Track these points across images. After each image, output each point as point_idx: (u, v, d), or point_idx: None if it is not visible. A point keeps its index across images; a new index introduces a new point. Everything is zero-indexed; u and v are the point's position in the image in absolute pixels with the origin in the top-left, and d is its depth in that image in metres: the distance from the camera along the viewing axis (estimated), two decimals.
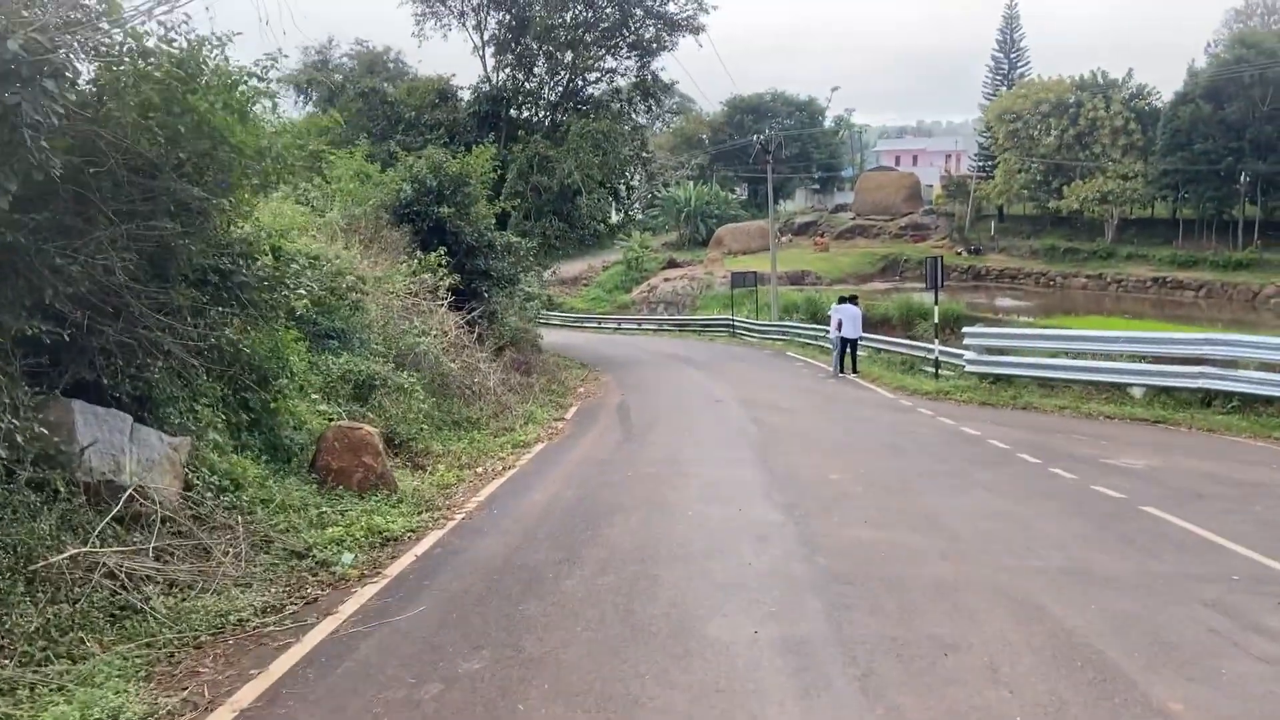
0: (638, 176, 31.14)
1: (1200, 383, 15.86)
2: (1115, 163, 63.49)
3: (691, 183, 78.48)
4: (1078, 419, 16.29)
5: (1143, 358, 17.22)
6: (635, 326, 47.12)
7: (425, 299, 16.87)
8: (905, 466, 11.95)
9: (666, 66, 30.28)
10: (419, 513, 9.41)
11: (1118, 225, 65.38)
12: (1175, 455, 13.04)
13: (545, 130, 28.60)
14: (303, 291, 9.94)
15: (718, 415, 17.27)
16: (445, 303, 16.97)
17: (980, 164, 74.26)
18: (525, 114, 29.75)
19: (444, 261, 16.76)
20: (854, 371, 23.60)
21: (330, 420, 11.11)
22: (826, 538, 8.36)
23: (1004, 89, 73.11)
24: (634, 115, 30.58)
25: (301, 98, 32.11)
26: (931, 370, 22.49)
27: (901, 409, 17.67)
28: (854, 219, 76.97)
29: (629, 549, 8.05)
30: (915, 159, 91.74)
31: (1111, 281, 61.71)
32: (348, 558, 7.67)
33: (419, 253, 17.35)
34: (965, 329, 20.00)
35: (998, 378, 19.18)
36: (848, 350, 23.88)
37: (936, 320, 21.71)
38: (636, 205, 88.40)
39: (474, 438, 14.30)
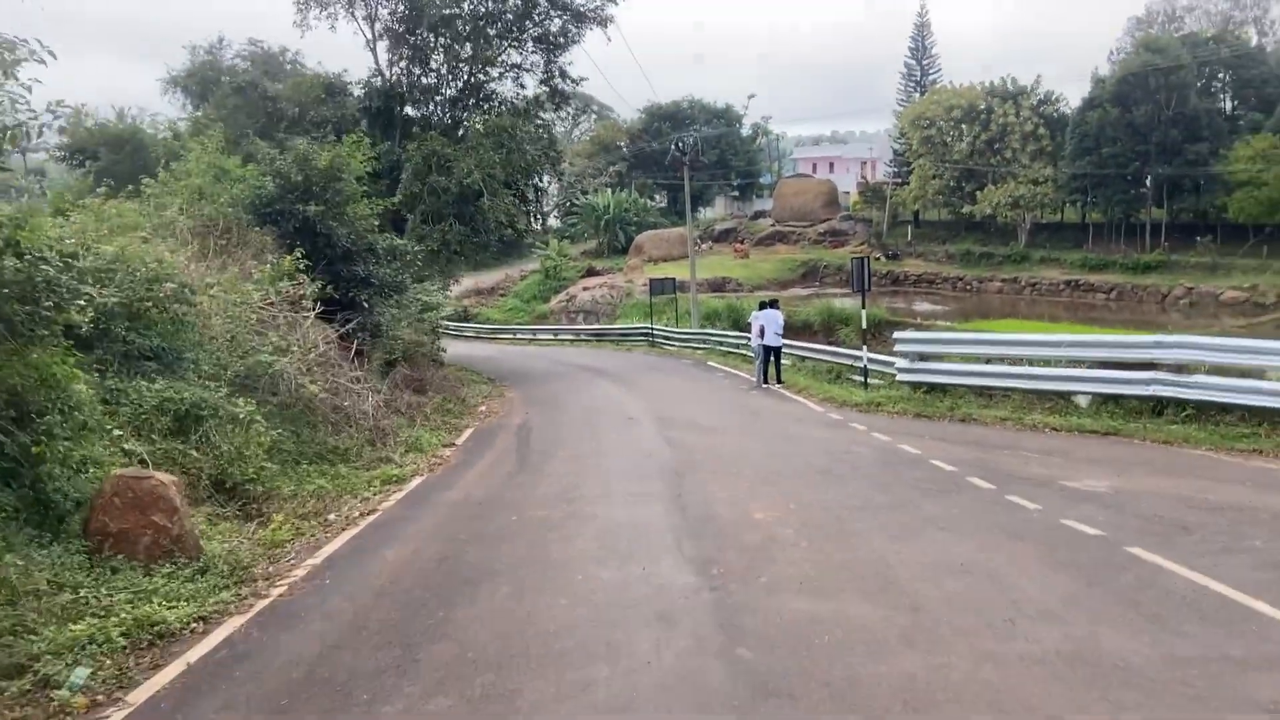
0: (546, 177, 28.87)
1: (1152, 389, 14.25)
2: (1026, 168, 63.29)
3: (610, 190, 76.47)
4: (1022, 432, 14.57)
5: (1087, 363, 15.60)
6: (551, 337, 44.83)
7: (286, 311, 14.46)
8: (843, 498, 9.97)
9: (577, 66, 27.85)
10: (222, 589, 7.09)
11: (1030, 229, 65.23)
12: (1138, 474, 11.33)
13: (444, 128, 26.21)
14: (82, 302, 7.57)
15: (629, 436, 15.17)
16: (312, 314, 14.58)
17: (896, 170, 73.69)
18: (422, 111, 27.30)
19: (304, 267, 14.35)
20: (778, 381, 21.72)
21: (141, 461, 8.72)
22: (752, 614, 6.28)
23: (917, 96, 72.67)
24: (541, 113, 28.34)
25: (188, 99, 29.23)
26: (860, 379, 20.72)
27: (831, 424, 15.78)
28: (773, 225, 75.76)
29: (486, 643, 5.87)
30: (832, 166, 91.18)
31: (1026, 285, 61.46)
32: (78, 675, 5.33)
33: (282, 257, 14.95)
34: (896, 335, 18.23)
35: (932, 387, 17.43)
36: (771, 359, 22.02)
37: (865, 325, 19.93)
38: (549, 209, 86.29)
39: (338, 473, 11.97)
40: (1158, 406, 14.40)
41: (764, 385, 21.74)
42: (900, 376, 18.01)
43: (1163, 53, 59.03)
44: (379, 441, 14.10)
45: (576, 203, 77.79)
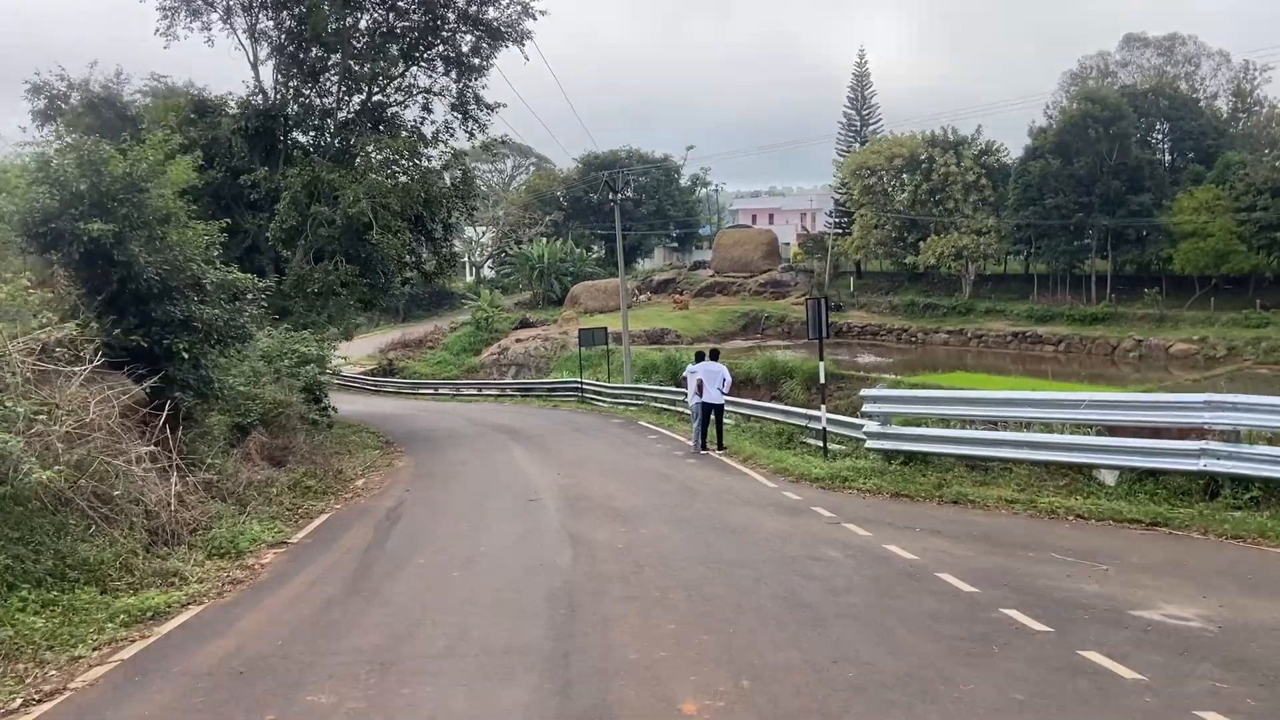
0: (458, 214, 25.04)
1: (1203, 464, 10.74)
2: (969, 218, 61.27)
3: (546, 240, 72.89)
4: (1038, 520, 10.94)
5: (1111, 429, 12.08)
6: (475, 392, 40.73)
7: (40, 363, 10.36)
8: (825, 664, 6.12)
9: (506, 105, 23.98)
10: None
11: (974, 280, 63.06)
12: (1230, 591, 7.80)
13: (335, 153, 22.30)
14: None
15: (523, 529, 11.21)
16: (85, 369, 10.49)
17: (837, 220, 71.35)
18: (312, 137, 23.37)
19: (83, 303, 10.26)
20: (720, 447, 17.97)
21: None
22: None
23: (857, 146, 70.62)
24: (451, 140, 24.63)
25: (34, 120, 24.90)
26: (816, 444, 17.08)
27: (789, 508, 12.00)
28: (713, 276, 72.78)
29: None
30: (771, 217, 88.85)
31: (972, 337, 59.02)
32: None
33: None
34: (865, 392, 14.60)
35: (910, 456, 13.80)
36: (711, 419, 18.28)
37: (824, 379, 16.28)
38: (481, 258, 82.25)
39: (76, 602, 7.89)
40: (1210, 486, 10.92)
41: (703, 451, 17.98)
42: (870, 444, 14.36)
43: (1102, 103, 57.60)
44: (169, 544, 9.99)
45: (510, 252, 74.06)
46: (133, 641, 7.24)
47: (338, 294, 20.75)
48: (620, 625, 7.05)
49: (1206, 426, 10.85)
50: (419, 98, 24.56)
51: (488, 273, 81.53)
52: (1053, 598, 7.64)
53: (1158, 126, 61.90)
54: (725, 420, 18.95)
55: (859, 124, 72.57)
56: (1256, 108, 64.70)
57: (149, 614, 7.88)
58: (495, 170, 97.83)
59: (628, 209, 75.34)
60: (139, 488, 10.17)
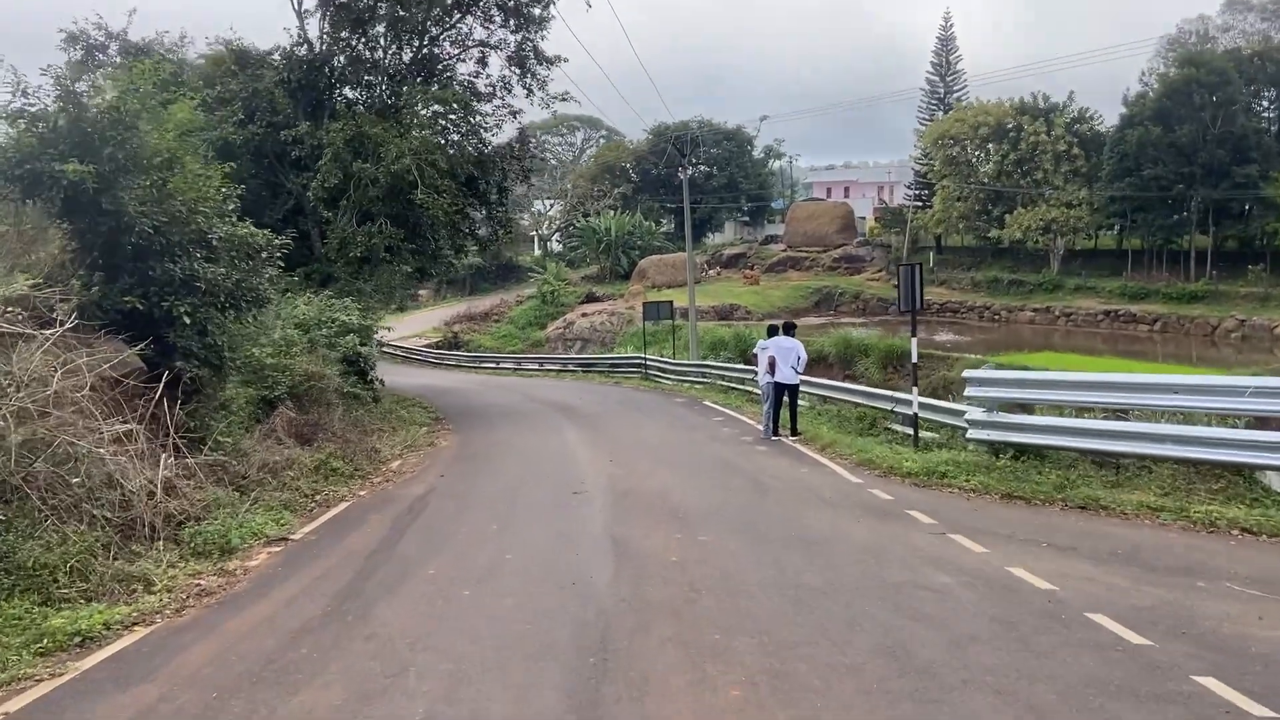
0: (511, 175, 23.21)
1: None
2: (1058, 190, 57.53)
3: (613, 213, 70.95)
4: (1194, 535, 8.72)
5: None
6: (536, 367, 39.14)
7: (22, 324, 8.84)
8: None
9: (575, 75, 21.94)
10: None
11: (1063, 256, 59.35)
12: None
13: (383, 108, 20.62)
14: None
15: (559, 531, 9.37)
16: (57, 331, 8.93)
17: (917, 192, 67.95)
18: (360, 92, 21.71)
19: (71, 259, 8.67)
20: (793, 432, 15.92)
21: None
22: None
23: (940, 114, 67.05)
24: (509, 98, 22.80)
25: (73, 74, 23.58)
26: (904, 431, 14.93)
27: (880, 512, 9.94)
28: (785, 251, 70.11)
29: None
30: (846, 191, 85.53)
31: (1060, 315, 55.47)
32: None
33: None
34: (968, 373, 12.39)
35: (1021, 449, 11.60)
36: (784, 401, 16.24)
37: (916, 358, 14.08)
38: (549, 231, 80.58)
39: (3, 615, 6.32)
40: None
41: (774, 436, 15.96)
42: (973, 433, 12.18)
43: (1206, 67, 53.33)
44: (148, 540, 8.40)
45: (578, 226, 72.33)
46: (39, 681, 5.58)
47: (386, 260, 19.08)
48: (664, 688, 5.14)
49: None
50: (474, 51, 22.79)
51: (555, 246, 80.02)
52: (1255, 655, 5.54)
53: (1265, 93, 57.22)
54: (799, 402, 16.88)
55: (943, 91, 68.87)
56: None
57: (77, 639, 6.23)
58: (565, 144, 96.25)
59: (698, 182, 73.09)
60: (111, 473, 8.58)
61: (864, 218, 74.95)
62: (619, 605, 6.70)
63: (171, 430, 10.41)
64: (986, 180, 60.62)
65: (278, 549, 9.00)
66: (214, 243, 11.39)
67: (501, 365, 41.46)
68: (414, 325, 58.86)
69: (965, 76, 69.28)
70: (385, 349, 48.38)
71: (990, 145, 60.66)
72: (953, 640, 5.89)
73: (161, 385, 10.52)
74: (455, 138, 20.99)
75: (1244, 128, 52.79)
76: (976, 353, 41.22)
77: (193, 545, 8.68)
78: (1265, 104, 57.40)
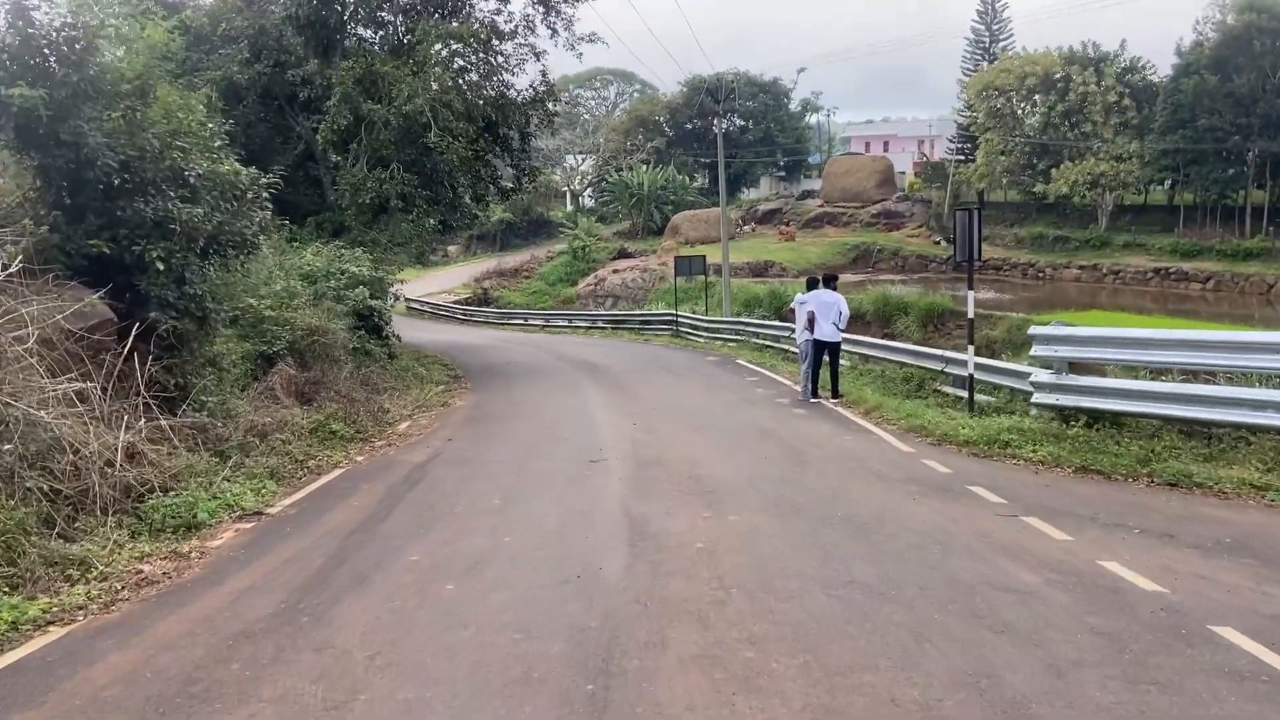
0: (534, 120, 21.77)
1: None
2: (1108, 143, 54.92)
3: (645, 167, 69.15)
4: None
5: None
6: (566, 324, 37.93)
7: None
8: None
9: (595, 11, 20.30)
10: None
11: (1111, 212, 56.84)
12: None
13: (395, 46, 19.26)
14: None
15: (570, 508, 8.15)
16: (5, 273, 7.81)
17: (959, 146, 65.40)
18: (372, 30, 20.32)
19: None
20: (834, 394, 14.57)
21: None
22: None
23: (985, 64, 64.27)
24: (532, 38, 21.29)
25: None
26: (956, 394, 13.55)
27: (939, 489, 8.60)
28: (822, 206, 68.03)
29: None
30: (886, 145, 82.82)
31: (1108, 273, 53.26)
32: None
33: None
34: (1035, 330, 10.93)
35: (1095, 416, 10.19)
36: (824, 360, 14.87)
37: (972, 314, 12.62)
38: (581, 186, 78.89)
39: None
40: None
41: (813, 399, 14.63)
42: (1039, 397, 10.77)
43: (1269, 12, 50.36)
44: (102, 514, 7.31)
45: (610, 180, 70.63)
46: None
47: (403, 209, 17.80)
48: None
49: None
50: None
51: (587, 201, 78.41)
52: None
53: None
54: (841, 362, 15.50)
55: (988, 40, 65.95)
56: None
57: None
58: (598, 97, 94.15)
59: (733, 136, 70.96)
60: (59, 437, 7.47)
61: (903, 173, 72.51)
62: (631, 607, 5.47)
63: (142, 389, 9.32)
64: (1032, 133, 58.10)
65: (249, 525, 7.88)
66: (192, 181, 10.17)
67: (530, 322, 40.29)
68: (444, 281, 57.82)
69: (1011, 25, 66.36)
70: (413, 305, 47.47)
71: (1037, 96, 58.07)
72: (1051, 665, 4.60)
73: (131, 339, 9.41)
74: (474, 78, 19.60)
75: None
76: (1020, 311, 39.50)
77: (152, 521, 7.59)
78: None
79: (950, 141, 68.58)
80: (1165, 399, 9.64)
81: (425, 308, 47.79)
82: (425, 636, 5.13)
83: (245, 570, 6.52)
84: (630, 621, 5.24)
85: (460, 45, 18.65)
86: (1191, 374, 10.50)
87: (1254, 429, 9.01)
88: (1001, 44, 65.33)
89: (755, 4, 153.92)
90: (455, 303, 50.00)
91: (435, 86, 17.23)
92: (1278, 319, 40.92)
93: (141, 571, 6.47)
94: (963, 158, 64.37)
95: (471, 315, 45.16)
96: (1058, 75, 56.47)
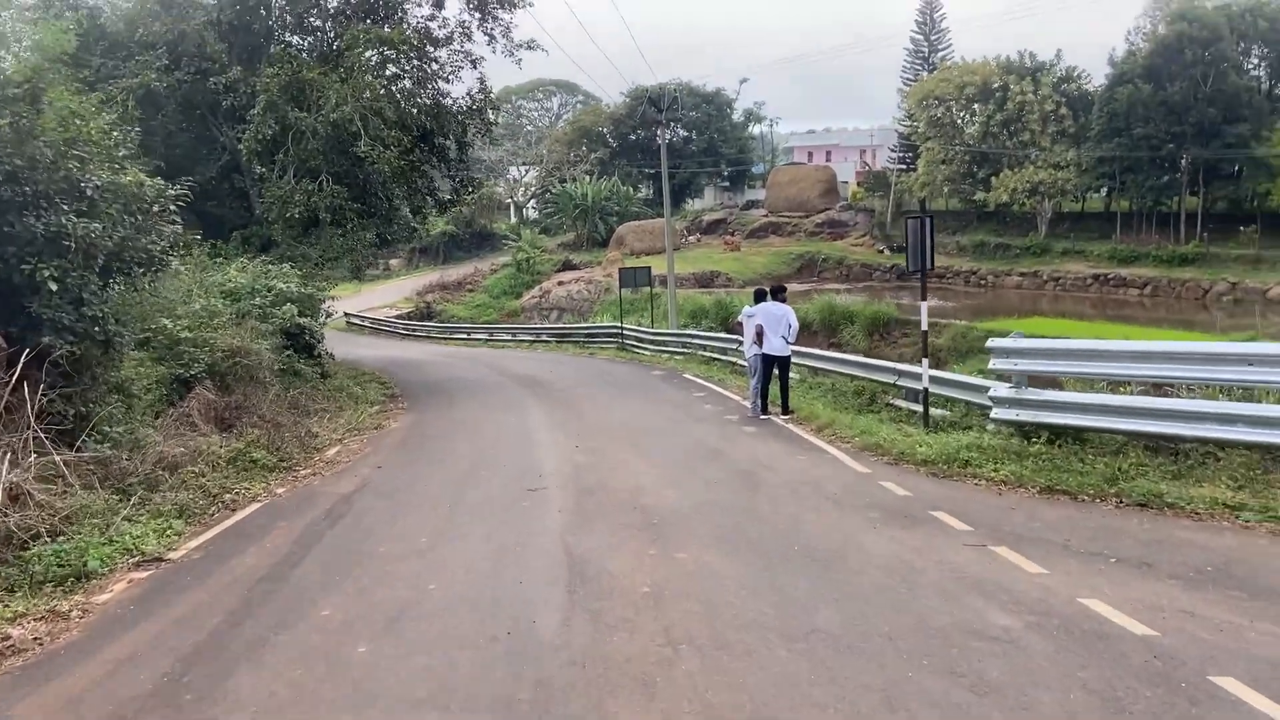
0: (472, 130, 21.00)
1: None
2: (1046, 151, 55.74)
3: (590, 178, 68.57)
4: None
5: None
6: (509, 338, 37.11)
7: None
8: None
9: (531, 17, 19.52)
10: None
11: (1050, 219, 57.65)
12: None
13: (323, 52, 18.41)
14: None
15: (504, 545, 7.45)
16: None
17: (901, 155, 65.97)
18: (299, 36, 19.41)
19: None
20: (785, 411, 14.05)
21: None
22: None
23: (925, 73, 64.90)
24: (469, 44, 20.55)
25: None
26: (909, 408, 13.12)
27: (899, 514, 8.06)
28: (766, 216, 68.05)
29: None
30: (829, 155, 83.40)
31: (1048, 279, 53.94)
32: None
33: None
34: (994, 342, 10.49)
35: (1058, 432, 9.77)
36: (774, 374, 14.35)
37: (926, 325, 12.17)
38: (525, 198, 77.99)
39: None
40: None
41: (763, 415, 14.09)
42: (999, 412, 10.32)
43: (1199, 22, 51.45)
44: None
45: (553, 192, 69.94)
46: None
47: (334, 222, 16.94)
48: None
49: None
50: None
51: (531, 213, 77.59)
52: None
53: (1255, 51, 55.39)
54: (790, 375, 15.00)
55: (927, 50, 66.69)
56: None
57: None
58: (541, 109, 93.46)
59: (677, 146, 70.74)
60: None
61: (846, 182, 72.92)
62: (566, 671, 4.81)
63: (32, 421, 8.45)
64: (972, 142, 58.78)
65: (146, 573, 7.07)
66: (89, 193, 9.30)
67: (473, 336, 39.39)
68: (385, 295, 56.64)
69: (950, 35, 67.14)
70: (353, 320, 46.27)
71: (976, 105, 58.82)
72: None
73: (19, 366, 8.52)
74: (407, 85, 18.82)
75: (1235, 86, 51.10)
76: (963, 319, 39.63)
77: (33, 572, 6.75)
78: (1256, 61, 55.63)
79: (892, 151, 69.20)
80: (1129, 413, 9.24)
81: (365, 323, 46.65)
82: (326, 718, 4.41)
83: (130, 633, 5.73)
84: (565, 691, 4.57)
85: (392, 51, 17.86)
86: (1154, 387, 10.13)
87: (1222, 444, 8.63)
88: (940, 54, 66.12)
89: (698, 16, 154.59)
90: (397, 317, 48.88)
91: (366, 94, 16.39)
92: (1213, 324, 41.60)
93: (9, 638, 5.64)
94: (904, 167, 64.93)
95: (414, 330, 44.12)
96: (996, 85, 57.17)
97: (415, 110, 18.44)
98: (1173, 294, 49.49)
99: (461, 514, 8.63)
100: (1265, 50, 55.23)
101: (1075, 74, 57.79)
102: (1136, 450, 9.22)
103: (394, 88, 18.41)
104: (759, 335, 14.15)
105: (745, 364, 15.72)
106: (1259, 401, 8.91)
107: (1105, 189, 57.77)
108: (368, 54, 17.36)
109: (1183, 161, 51.86)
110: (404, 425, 15.09)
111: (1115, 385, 10.61)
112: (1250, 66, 55.53)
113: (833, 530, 7.58)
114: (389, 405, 17.53)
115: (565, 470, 10.33)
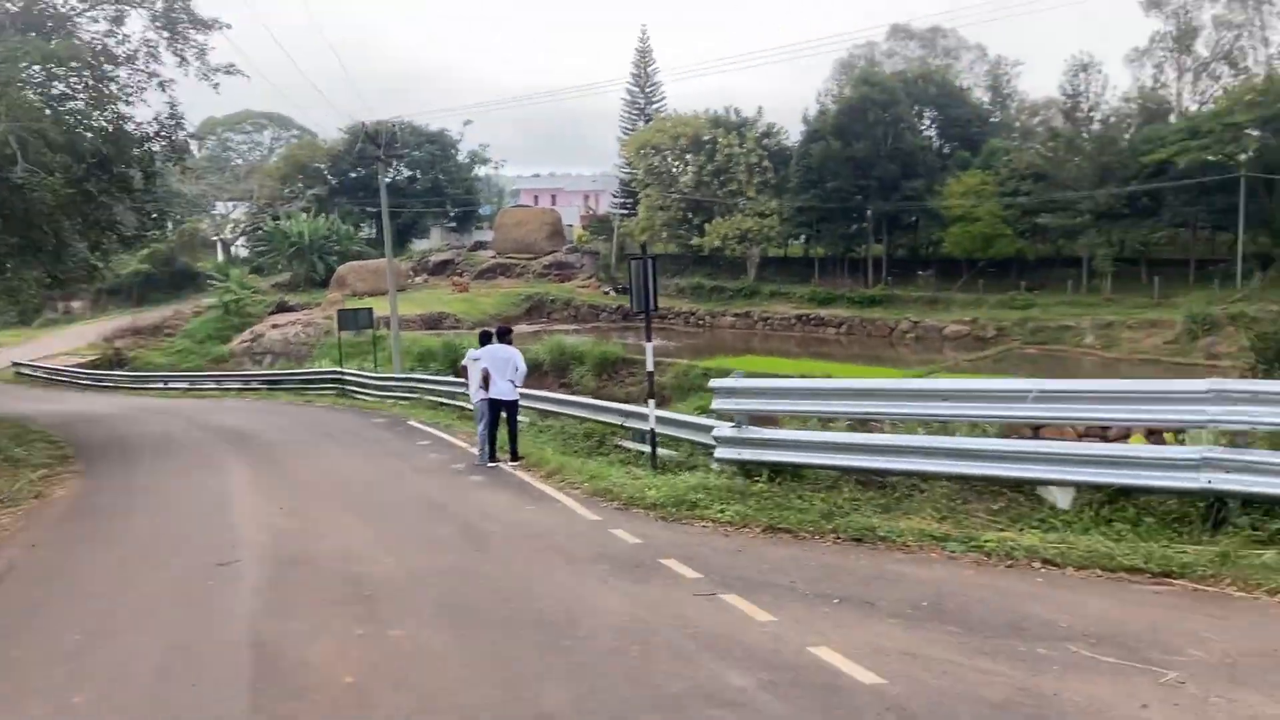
0: (160, 157, 18.91)
1: (1207, 479, 7.42)
2: (752, 200, 59.56)
3: (305, 215, 65.13)
4: (994, 572, 7.26)
5: (1070, 429, 8.65)
6: (215, 386, 33.99)
7: None
8: None
9: (226, 38, 17.92)
10: None
11: (759, 263, 61.50)
12: None
13: None
14: None
15: (176, 643, 6.29)
16: None
17: (622, 201, 68.04)
18: None
19: None
20: (514, 458, 13.49)
21: None
22: None
23: (641, 124, 67.52)
24: (156, 65, 18.52)
25: None
26: (638, 449, 13.04)
27: (631, 565, 7.71)
28: (495, 257, 67.76)
29: None
30: (554, 198, 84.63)
31: (758, 320, 57.41)
32: None
33: None
34: (716, 382, 10.51)
35: (777, 469, 9.91)
36: (502, 419, 13.78)
37: (652, 366, 12.11)
38: (233, 235, 72.90)
39: None
40: (1215, 510, 7.62)
41: (492, 463, 13.47)
42: (722, 452, 10.34)
43: (880, 86, 57.27)
44: None
45: (265, 229, 65.77)
46: None
47: None
48: None
49: (1214, 422, 7.52)
50: (108, 8, 18.29)
51: (241, 252, 72.50)
52: None
53: (927, 113, 62.45)
54: (519, 419, 14.49)
55: (643, 102, 69.50)
56: (1010, 100, 66.67)
57: None
58: (250, 141, 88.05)
59: (401, 186, 68.92)
60: None
61: (572, 225, 74.23)
62: None
63: None
64: (686, 190, 61.60)
65: None
66: None
67: (171, 386, 35.72)
68: (67, 341, 50.47)
69: (664, 89, 70.37)
70: (23, 371, 40.77)
71: (689, 156, 61.75)
72: None
73: None
74: (79, 106, 16.61)
75: (911, 144, 57.16)
76: (685, 357, 41.08)
77: None
78: (928, 122, 62.63)
79: (614, 196, 71.28)
80: (841, 449, 9.52)
81: (39, 373, 41.18)
82: None
83: None
84: None
85: (61, 68, 15.67)
86: (861, 423, 10.55)
87: (925, 476, 9.04)
88: (655, 105, 69.12)
89: (421, 57, 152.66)
90: (79, 366, 43.56)
91: (25, 113, 14.18)
92: (899, 359, 45.82)
93: None
94: (626, 211, 66.98)
95: (100, 380, 39.43)
96: (706, 137, 60.42)
97: (90, 134, 16.28)
98: (864, 332, 54.09)
99: (129, 602, 7.31)
100: (935, 113, 62.42)
101: (775, 130, 62.23)
102: (850, 485, 9.50)
103: (61, 108, 16.16)
104: (485, 379, 13.58)
105: (473, 409, 15.04)
106: (953, 434, 9.44)
107: (804, 236, 62.47)
108: (35, 69, 15.07)
109: (869, 212, 57.14)
110: (73, 493, 13.02)
111: (827, 422, 10.99)
112: (924, 127, 62.48)
113: (564, 590, 7.08)
114: (57, 469, 15.17)
115: (264, 540, 9.15)
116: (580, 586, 7.14)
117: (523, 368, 13.72)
